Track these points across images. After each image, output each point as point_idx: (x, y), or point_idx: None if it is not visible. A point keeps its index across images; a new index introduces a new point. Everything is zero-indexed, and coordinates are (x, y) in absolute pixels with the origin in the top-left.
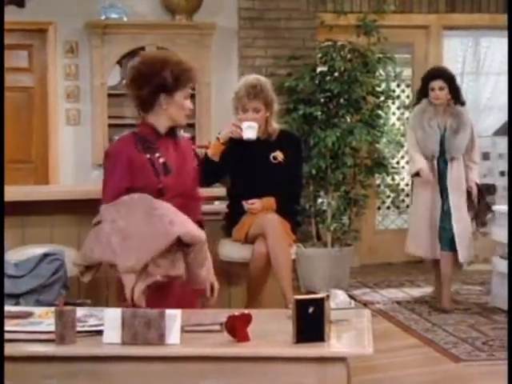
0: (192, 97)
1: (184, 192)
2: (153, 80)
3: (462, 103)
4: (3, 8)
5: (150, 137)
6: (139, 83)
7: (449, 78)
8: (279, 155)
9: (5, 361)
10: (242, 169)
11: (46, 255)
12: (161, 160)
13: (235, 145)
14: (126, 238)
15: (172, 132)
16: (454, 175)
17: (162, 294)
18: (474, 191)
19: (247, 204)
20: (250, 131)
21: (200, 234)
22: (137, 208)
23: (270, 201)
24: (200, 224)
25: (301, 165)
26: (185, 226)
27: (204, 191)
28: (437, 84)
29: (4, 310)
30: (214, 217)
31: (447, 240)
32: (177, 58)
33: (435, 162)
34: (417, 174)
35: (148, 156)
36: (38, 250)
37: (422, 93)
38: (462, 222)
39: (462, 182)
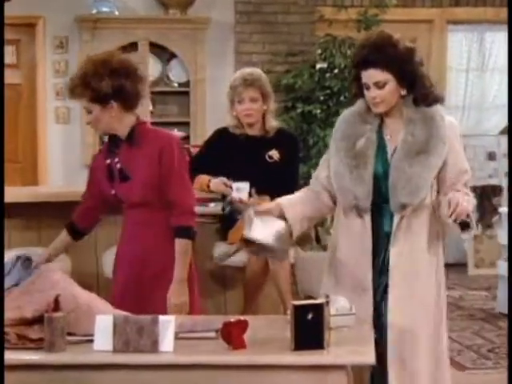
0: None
1: (148, 202)
2: None
3: (434, 100)
4: (3, 8)
5: (115, 141)
6: None
7: (394, 61)
8: (275, 154)
9: None
10: (237, 168)
11: (18, 258)
12: (118, 165)
13: (229, 143)
14: None
15: (131, 136)
16: (402, 246)
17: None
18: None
19: None
20: (239, 193)
21: None
22: None
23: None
24: (187, 229)
25: (297, 165)
26: None
27: (198, 193)
28: (370, 77)
29: (4, 310)
30: (209, 219)
31: None
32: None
33: (367, 219)
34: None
35: (108, 161)
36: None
37: (357, 88)
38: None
39: (418, 260)
